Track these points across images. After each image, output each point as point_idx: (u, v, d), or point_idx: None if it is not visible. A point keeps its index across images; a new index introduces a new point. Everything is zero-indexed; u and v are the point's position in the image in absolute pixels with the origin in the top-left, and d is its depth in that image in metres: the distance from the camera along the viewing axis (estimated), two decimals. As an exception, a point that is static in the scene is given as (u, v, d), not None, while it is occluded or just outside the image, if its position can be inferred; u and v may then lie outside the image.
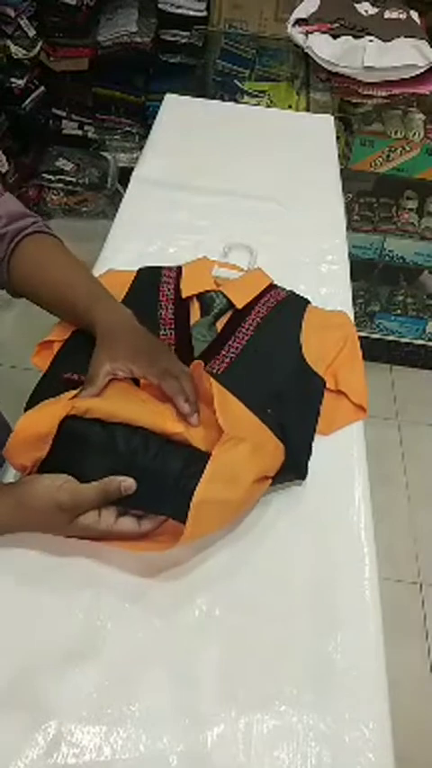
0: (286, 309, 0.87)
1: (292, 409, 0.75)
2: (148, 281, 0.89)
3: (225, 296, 0.86)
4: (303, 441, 0.74)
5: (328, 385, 0.81)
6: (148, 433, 0.65)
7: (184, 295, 0.86)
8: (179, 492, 0.61)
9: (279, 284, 0.92)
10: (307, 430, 0.76)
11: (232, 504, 0.64)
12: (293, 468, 0.71)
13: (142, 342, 0.73)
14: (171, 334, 0.81)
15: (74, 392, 0.67)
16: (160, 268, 0.92)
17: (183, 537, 0.58)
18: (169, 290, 0.87)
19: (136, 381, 0.71)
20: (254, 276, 0.91)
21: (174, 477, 0.63)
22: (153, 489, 0.62)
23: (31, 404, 0.72)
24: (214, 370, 0.77)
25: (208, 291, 0.87)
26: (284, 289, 0.91)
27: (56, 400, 0.66)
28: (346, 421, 0.80)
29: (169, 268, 0.92)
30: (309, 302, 0.90)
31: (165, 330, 0.81)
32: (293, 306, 0.88)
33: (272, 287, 0.90)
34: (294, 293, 0.91)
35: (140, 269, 0.91)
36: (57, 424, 0.63)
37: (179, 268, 0.91)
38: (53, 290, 0.78)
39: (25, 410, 0.70)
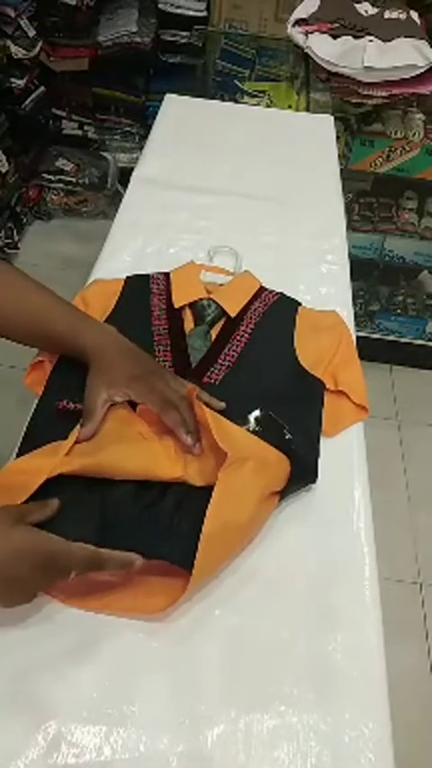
0: (278, 314, 0.87)
1: (293, 415, 0.74)
2: (138, 291, 0.88)
3: (217, 303, 0.85)
4: (309, 445, 0.74)
5: (327, 386, 0.80)
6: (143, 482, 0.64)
7: (176, 305, 0.85)
8: (175, 535, 0.60)
9: (280, 284, 0.92)
10: (311, 434, 0.75)
11: (242, 528, 0.63)
12: (302, 474, 0.70)
13: (137, 365, 0.71)
14: (167, 345, 0.80)
15: (70, 441, 0.65)
16: (147, 276, 0.91)
17: (193, 578, 0.57)
18: (161, 299, 0.86)
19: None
20: (243, 281, 0.91)
21: (167, 518, 0.62)
22: (149, 536, 0.61)
23: (27, 438, 0.71)
24: (212, 381, 0.76)
25: (200, 299, 0.86)
26: (273, 291, 0.91)
27: (53, 449, 0.64)
28: (350, 421, 0.80)
29: (157, 276, 0.91)
30: (299, 304, 0.89)
31: (160, 342, 0.81)
32: (285, 310, 0.88)
33: (261, 290, 0.90)
34: (285, 295, 0.90)
35: (128, 278, 0.90)
36: (43, 479, 0.61)
37: (167, 276, 0.91)
38: (30, 322, 0.73)
39: (21, 442, 0.70)
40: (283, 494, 0.68)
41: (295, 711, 0.56)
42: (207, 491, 0.62)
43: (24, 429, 0.73)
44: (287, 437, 0.69)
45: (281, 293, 0.91)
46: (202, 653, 0.59)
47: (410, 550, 1.79)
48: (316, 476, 0.72)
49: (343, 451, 0.76)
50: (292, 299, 0.90)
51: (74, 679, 0.56)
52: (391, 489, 1.92)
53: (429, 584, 1.72)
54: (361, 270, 2.02)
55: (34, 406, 0.75)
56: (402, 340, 2.19)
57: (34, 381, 0.79)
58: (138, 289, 0.88)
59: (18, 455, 0.69)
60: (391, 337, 2.18)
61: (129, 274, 0.91)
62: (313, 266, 1.02)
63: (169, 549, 0.60)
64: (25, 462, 0.64)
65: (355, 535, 0.70)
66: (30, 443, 0.69)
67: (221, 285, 0.90)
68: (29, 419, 0.74)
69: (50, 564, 0.55)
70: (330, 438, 0.77)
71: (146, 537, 0.61)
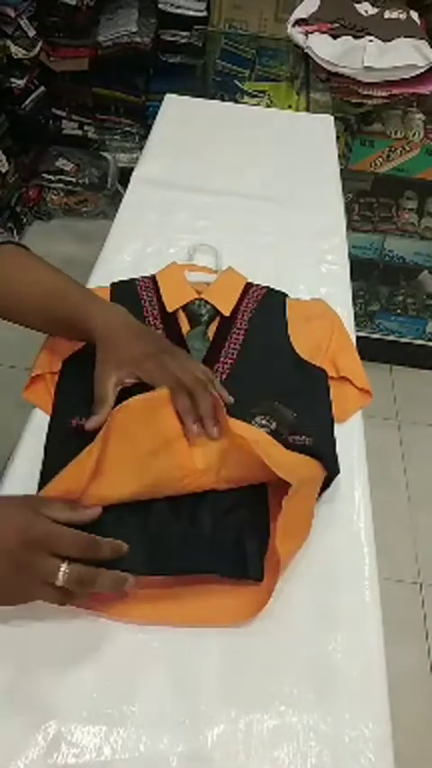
0: (268, 308, 0.87)
1: (303, 406, 0.74)
2: (127, 298, 0.86)
3: (210, 303, 0.85)
4: (326, 436, 0.74)
5: (329, 373, 0.81)
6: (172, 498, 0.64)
7: (169, 309, 0.85)
8: (221, 549, 0.62)
9: (280, 284, 0.92)
10: (325, 423, 0.76)
11: (300, 546, 0.65)
12: (331, 470, 0.70)
13: (148, 343, 0.69)
14: None
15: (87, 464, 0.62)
16: (133, 282, 0.90)
17: (268, 595, 0.60)
18: (152, 305, 0.86)
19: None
20: (229, 278, 0.91)
21: (209, 533, 0.63)
22: (196, 554, 0.62)
23: (47, 463, 0.69)
24: (218, 379, 0.76)
25: (192, 301, 0.86)
26: (260, 285, 0.91)
27: (76, 475, 0.62)
28: (356, 406, 0.81)
29: (143, 280, 0.90)
30: (287, 296, 0.90)
31: None
32: (274, 303, 0.88)
33: (249, 286, 0.90)
34: (271, 289, 0.91)
35: (113, 284, 0.89)
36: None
37: (153, 280, 0.90)
38: (40, 301, 0.72)
39: (43, 468, 0.68)
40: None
41: (295, 711, 0.56)
42: (233, 493, 0.65)
43: (43, 455, 0.71)
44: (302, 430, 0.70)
45: (267, 287, 0.91)
46: (202, 653, 0.59)
47: (410, 550, 1.79)
48: (338, 466, 0.71)
49: (343, 451, 0.76)
50: (279, 292, 0.90)
51: (74, 679, 0.56)
52: (391, 489, 1.92)
53: (429, 585, 1.72)
54: (361, 270, 2.02)
55: (47, 428, 0.74)
56: (402, 340, 2.19)
57: (35, 395, 0.77)
58: (127, 296, 0.87)
59: (40, 481, 0.68)
60: (391, 337, 2.18)
61: (114, 281, 0.90)
62: (313, 266, 1.02)
63: (217, 564, 0.61)
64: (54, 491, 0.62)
65: (355, 535, 0.70)
66: (50, 468, 0.67)
67: (208, 284, 0.90)
68: (45, 443, 0.72)
69: (39, 544, 0.54)
70: (336, 426, 0.77)
71: (193, 556, 0.62)
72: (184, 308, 0.85)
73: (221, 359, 0.79)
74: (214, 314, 0.85)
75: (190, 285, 0.89)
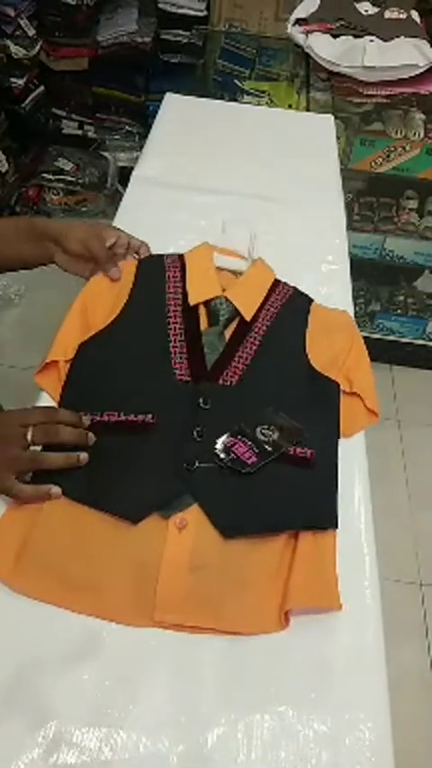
0: (290, 314, 0.86)
1: (309, 419, 0.74)
2: (153, 276, 0.86)
3: (231, 303, 0.84)
4: (328, 450, 0.74)
5: (342, 388, 0.80)
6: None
7: (191, 303, 0.84)
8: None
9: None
10: (329, 437, 0.75)
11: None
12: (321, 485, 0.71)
13: (88, 227, 0.86)
14: (183, 344, 0.79)
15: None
16: (161, 258, 0.89)
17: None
18: (176, 292, 0.85)
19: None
20: (257, 274, 0.89)
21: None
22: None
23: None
24: (227, 383, 0.76)
25: (215, 297, 0.85)
26: (287, 285, 0.90)
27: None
28: (363, 424, 0.80)
29: (170, 258, 0.89)
30: (312, 301, 0.89)
31: (176, 342, 0.80)
32: (297, 308, 0.87)
33: (276, 285, 0.89)
34: (298, 291, 0.90)
35: (140, 261, 0.89)
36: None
37: (181, 261, 0.89)
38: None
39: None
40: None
41: (295, 712, 0.56)
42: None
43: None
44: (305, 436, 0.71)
45: (294, 288, 0.90)
46: (202, 653, 0.59)
47: (410, 550, 1.79)
48: (336, 487, 0.71)
49: (343, 451, 0.76)
50: (305, 296, 0.89)
51: (74, 679, 0.56)
52: (391, 489, 1.92)
53: (429, 584, 1.72)
54: (361, 270, 2.02)
55: None
56: (402, 340, 2.19)
57: (46, 381, 0.78)
58: (153, 273, 0.87)
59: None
60: (392, 337, 2.18)
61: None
62: (313, 266, 1.01)
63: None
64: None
65: (355, 535, 0.70)
66: None
67: (235, 273, 0.89)
68: None
69: (10, 419, 0.68)
70: (343, 439, 0.77)
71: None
72: (206, 303, 0.84)
73: (233, 363, 0.78)
74: (234, 315, 0.84)
75: (216, 276, 0.87)
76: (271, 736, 0.55)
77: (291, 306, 0.87)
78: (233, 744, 0.54)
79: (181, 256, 0.90)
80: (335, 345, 0.84)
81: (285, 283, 0.90)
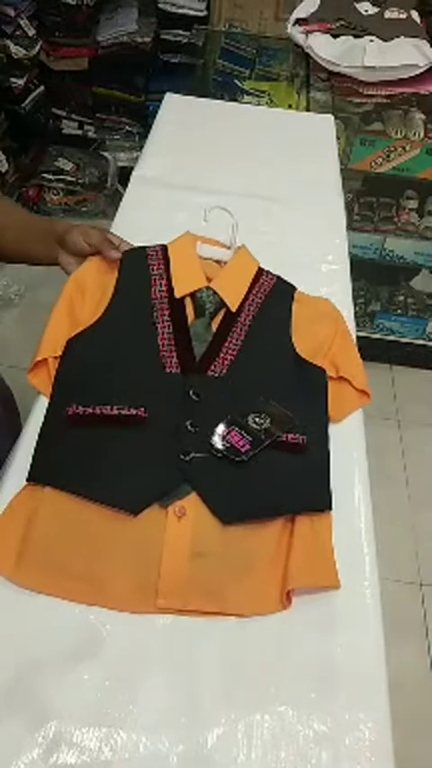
0: (275, 303, 0.87)
1: (298, 406, 0.75)
2: (136, 269, 0.86)
3: (217, 294, 0.85)
4: (319, 433, 0.76)
5: (329, 373, 0.81)
6: None
7: (177, 295, 0.84)
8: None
9: None
10: (319, 422, 0.77)
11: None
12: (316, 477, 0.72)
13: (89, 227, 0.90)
14: (171, 336, 0.80)
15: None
16: (143, 250, 0.89)
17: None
18: (161, 285, 0.85)
19: None
20: (240, 263, 0.90)
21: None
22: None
23: (41, 448, 0.71)
24: (216, 374, 0.76)
25: (200, 289, 0.85)
26: (270, 274, 0.90)
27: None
28: (354, 406, 0.82)
29: (153, 250, 0.89)
30: (295, 289, 0.89)
31: (164, 334, 0.80)
32: (281, 298, 0.88)
33: (259, 274, 0.89)
34: (281, 280, 0.90)
35: (123, 254, 0.87)
36: None
37: (164, 251, 0.89)
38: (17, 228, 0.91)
39: (36, 452, 0.71)
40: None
41: (295, 712, 0.56)
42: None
43: (36, 438, 0.72)
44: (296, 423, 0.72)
45: (277, 277, 0.90)
46: (203, 653, 0.59)
47: (410, 550, 1.79)
48: (328, 473, 0.73)
49: (343, 451, 0.76)
50: (288, 284, 0.90)
51: (74, 679, 0.56)
52: (391, 488, 1.92)
53: (429, 584, 1.72)
54: (361, 270, 2.02)
55: (44, 413, 0.74)
56: (402, 340, 2.19)
57: (38, 380, 0.79)
58: (135, 267, 0.87)
59: (30, 470, 0.69)
60: (392, 337, 2.18)
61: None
62: (313, 266, 1.02)
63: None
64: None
65: (355, 535, 0.70)
66: (45, 453, 0.70)
67: (219, 262, 0.89)
68: (40, 428, 0.73)
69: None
70: (335, 425, 0.79)
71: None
72: (192, 294, 0.84)
73: (222, 355, 0.79)
74: (220, 306, 0.84)
75: (200, 266, 0.87)
76: (271, 736, 0.55)
77: (275, 295, 0.88)
78: (233, 744, 0.54)
79: (164, 247, 0.90)
80: (319, 333, 0.85)
81: (269, 272, 0.91)
